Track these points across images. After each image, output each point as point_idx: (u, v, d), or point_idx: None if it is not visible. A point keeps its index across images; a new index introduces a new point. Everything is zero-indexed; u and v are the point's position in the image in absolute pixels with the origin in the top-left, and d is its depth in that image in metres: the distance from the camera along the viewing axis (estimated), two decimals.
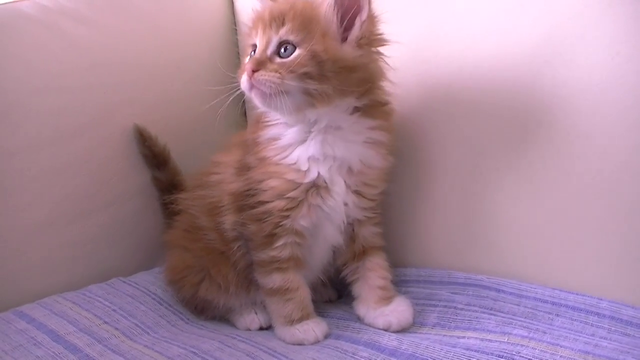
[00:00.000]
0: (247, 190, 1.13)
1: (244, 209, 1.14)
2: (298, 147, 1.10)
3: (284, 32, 1.04)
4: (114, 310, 1.20)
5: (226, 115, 1.19)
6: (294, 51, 1.04)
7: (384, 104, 1.15)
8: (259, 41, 1.07)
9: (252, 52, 1.09)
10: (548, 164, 1.12)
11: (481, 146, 1.21)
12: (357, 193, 1.14)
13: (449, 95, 1.24)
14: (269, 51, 1.05)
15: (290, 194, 1.09)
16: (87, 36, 1.40)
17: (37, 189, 1.29)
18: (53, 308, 1.18)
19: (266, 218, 1.11)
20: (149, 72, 1.48)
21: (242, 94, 1.09)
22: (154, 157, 1.42)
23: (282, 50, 1.04)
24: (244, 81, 1.05)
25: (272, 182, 1.10)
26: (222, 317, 1.22)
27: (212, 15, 1.64)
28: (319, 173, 1.09)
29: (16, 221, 1.27)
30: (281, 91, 1.02)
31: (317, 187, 1.10)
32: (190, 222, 1.24)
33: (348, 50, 1.05)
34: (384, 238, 1.23)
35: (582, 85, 1.08)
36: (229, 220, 1.16)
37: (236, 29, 1.65)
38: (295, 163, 1.10)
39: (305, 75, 1.02)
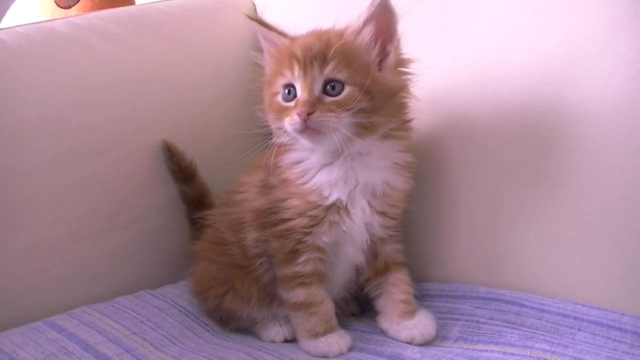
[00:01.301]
0: (270, 208, 1.15)
1: (266, 226, 1.15)
2: (320, 171, 1.12)
3: (329, 71, 1.05)
4: (141, 321, 1.22)
5: (251, 136, 1.22)
6: (342, 88, 1.05)
7: (409, 121, 1.17)
8: (301, 82, 1.06)
9: (287, 92, 1.09)
10: (570, 180, 1.14)
11: (503, 163, 1.22)
12: (380, 213, 1.15)
13: (471, 113, 1.26)
14: (316, 91, 1.05)
15: (311, 213, 1.11)
16: (117, 54, 1.43)
17: (66, 203, 1.32)
18: (83, 319, 1.20)
19: (288, 235, 1.13)
20: (175, 90, 1.51)
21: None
22: (181, 171, 1.45)
23: (330, 88, 1.05)
24: (294, 123, 1.04)
25: (294, 202, 1.12)
26: (247, 329, 1.24)
27: (238, 34, 1.66)
28: (339, 198, 1.11)
29: (45, 235, 1.29)
30: (335, 129, 1.04)
31: (338, 207, 1.12)
32: (216, 236, 1.27)
33: (390, 77, 1.09)
34: (408, 254, 1.24)
35: (601, 103, 1.10)
36: (250, 236, 1.18)
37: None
38: (317, 188, 1.11)
39: (360, 111, 1.04)
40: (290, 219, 1.12)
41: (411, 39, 1.13)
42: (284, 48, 1.12)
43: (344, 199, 1.11)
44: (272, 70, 1.14)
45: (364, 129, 1.07)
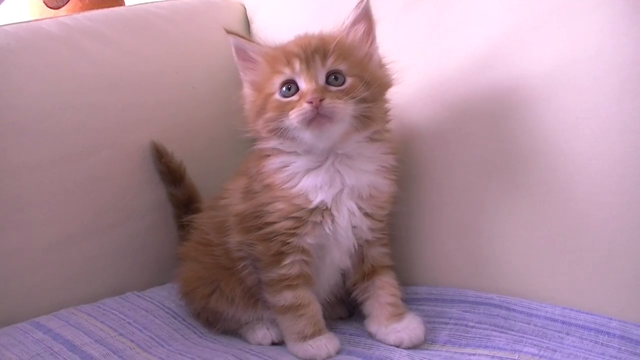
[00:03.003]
0: (253, 213, 1.15)
1: (250, 230, 1.15)
2: (306, 175, 1.13)
3: (331, 63, 1.08)
4: (128, 323, 1.21)
5: (240, 137, 1.21)
6: (344, 79, 1.08)
7: (388, 121, 1.19)
8: (305, 75, 1.08)
9: (287, 89, 1.09)
10: (558, 184, 1.14)
11: (490, 167, 1.22)
12: (366, 215, 1.16)
13: (457, 116, 1.26)
14: (321, 82, 1.07)
15: (296, 214, 1.12)
16: (107, 55, 1.43)
17: (54, 204, 1.32)
18: (69, 320, 1.19)
19: (273, 237, 1.13)
20: (165, 91, 1.51)
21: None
22: (170, 173, 1.44)
23: (333, 79, 1.07)
24: (304, 112, 1.05)
25: (279, 205, 1.12)
26: (234, 331, 1.24)
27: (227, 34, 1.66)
28: (322, 200, 1.11)
29: (34, 236, 1.29)
30: (344, 115, 1.06)
31: (321, 210, 1.12)
32: (202, 237, 1.27)
33: (380, 71, 1.14)
34: (395, 257, 1.24)
35: (591, 109, 1.10)
36: (234, 239, 1.18)
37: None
38: (303, 192, 1.12)
39: (362, 100, 1.07)
40: (275, 222, 1.12)
41: (401, 41, 1.15)
42: (277, 50, 1.14)
43: (328, 201, 1.12)
44: (263, 73, 1.14)
45: (364, 120, 1.09)
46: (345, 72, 1.08)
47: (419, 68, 1.30)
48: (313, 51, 1.08)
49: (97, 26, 1.45)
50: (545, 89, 1.16)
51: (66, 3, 2.06)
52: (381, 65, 1.16)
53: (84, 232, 1.36)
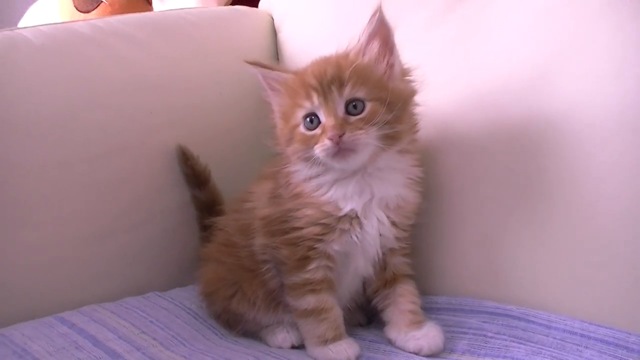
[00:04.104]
0: (280, 217, 1.16)
1: (276, 233, 1.16)
2: (335, 185, 1.14)
3: (348, 92, 1.07)
4: (150, 321, 1.22)
5: (265, 140, 1.22)
6: (364, 105, 1.07)
7: (417, 131, 1.20)
8: (324, 108, 1.08)
9: (309, 121, 1.10)
10: (580, 198, 1.15)
11: (512, 179, 1.23)
12: (393, 224, 1.17)
13: (485, 133, 1.28)
14: (340, 113, 1.07)
15: (324, 221, 1.13)
16: (137, 58, 1.45)
17: (80, 202, 1.34)
18: (92, 316, 1.21)
19: (299, 242, 1.14)
20: (192, 95, 1.53)
21: None
22: (195, 176, 1.46)
23: (352, 107, 1.07)
24: (326, 148, 1.06)
25: (308, 211, 1.13)
26: (254, 333, 1.25)
27: (255, 43, 1.69)
28: (353, 208, 1.13)
29: (58, 233, 1.31)
30: (367, 144, 1.07)
31: (350, 217, 1.13)
32: (226, 238, 1.28)
33: (402, 85, 1.12)
34: (416, 267, 1.25)
35: (600, 121, 1.13)
36: (258, 242, 1.19)
37: (278, 58, 1.69)
38: (332, 200, 1.13)
39: (384, 123, 1.06)
40: (302, 227, 1.14)
41: (423, 60, 1.15)
42: (295, 80, 1.13)
43: (358, 210, 1.13)
44: (287, 105, 1.15)
45: (391, 139, 1.09)
46: (365, 97, 1.07)
47: (445, 81, 1.31)
48: (329, 82, 1.07)
49: (128, 29, 1.47)
50: (570, 109, 1.17)
51: (96, 7, 2.10)
52: (404, 74, 1.15)
53: (108, 230, 1.37)
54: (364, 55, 1.11)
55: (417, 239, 1.27)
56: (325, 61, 1.13)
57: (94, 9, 2.09)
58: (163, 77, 1.48)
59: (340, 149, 1.05)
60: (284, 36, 1.70)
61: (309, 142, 1.09)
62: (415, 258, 1.26)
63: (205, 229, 1.40)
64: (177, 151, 1.46)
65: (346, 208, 1.12)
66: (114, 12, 2.08)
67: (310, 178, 1.14)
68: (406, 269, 1.23)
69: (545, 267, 1.19)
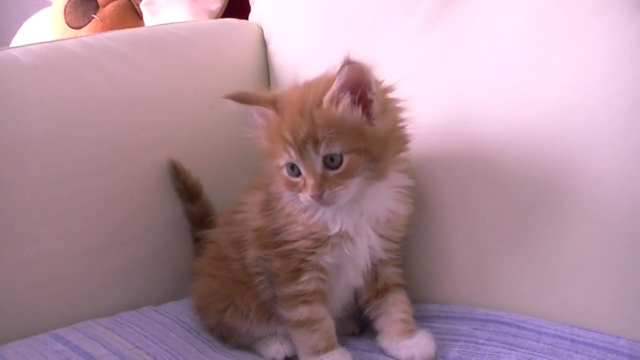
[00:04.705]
0: (272, 230, 1.17)
1: (268, 246, 1.17)
2: (322, 209, 1.13)
3: (323, 149, 1.05)
4: (145, 336, 1.23)
5: (257, 156, 1.23)
6: (341, 158, 1.06)
7: (406, 150, 1.19)
8: (301, 165, 1.07)
9: (291, 168, 1.09)
10: (567, 206, 1.17)
11: (502, 190, 1.24)
12: (383, 237, 1.18)
13: (471, 141, 1.29)
14: (318, 169, 1.06)
15: (315, 236, 1.14)
16: (127, 75, 1.46)
17: (73, 219, 1.34)
18: (87, 332, 1.22)
19: (291, 255, 1.15)
20: (183, 111, 1.54)
21: None
22: (187, 190, 1.47)
23: (329, 161, 1.06)
24: (308, 200, 1.07)
25: (298, 227, 1.14)
26: (248, 345, 1.25)
27: (245, 56, 1.70)
28: (342, 227, 1.14)
29: (52, 249, 1.31)
30: (347, 195, 1.08)
31: (341, 235, 1.14)
32: (217, 252, 1.29)
33: (381, 124, 1.09)
34: (407, 276, 1.26)
35: (598, 132, 1.14)
36: (251, 255, 1.20)
37: (268, 70, 1.70)
38: (321, 222, 1.14)
39: (364, 168, 1.07)
40: (294, 241, 1.14)
41: (413, 69, 1.15)
42: (273, 127, 1.10)
43: (349, 229, 1.14)
44: (270, 147, 1.13)
45: (375, 177, 1.10)
46: (342, 151, 1.05)
47: (432, 93, 1.33)
48: (303, 141, 1.05)
49: (118, 46, 1.48)
50: (557, 113, 1.18)
51: (87, 23, 2.11)
52: (384, 106, 1.10)
53: (103, 246, 1.38)
54: (337, 105, 1.06)
55: (408, 248, 1.27)
56: (299, 110, 1.07)
57: (85, 25, 2.10)
58: (154, 93, 1.49)
59: (323, 202, 1.07)
60: (274, 48, 1.71)
61: (293, 187, 1.10)
62: (406, 267, 1.26)
63: (199, 243, 1.41)
64: (169, 166, 1.47)
65: (335, 229, 1.13)
66: (105, 27, 2.10)
67: (298, 201, 1.13)
68: (397, 278, 1.23)
69: (535, 274, 1.20)
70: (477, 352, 1.13)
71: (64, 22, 2.13)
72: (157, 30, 1.62)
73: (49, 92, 1.34)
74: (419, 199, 1.25)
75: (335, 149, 1.05)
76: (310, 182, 1.06)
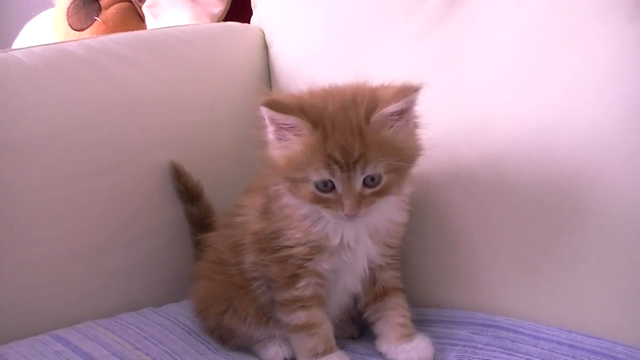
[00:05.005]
0: (271, 234, 1.17)
1: (266, 250, 1.17)
2: (324, 219, 1.12)
3: (371, 170, 1.03)
4: (144, 337, 1.24)
5: (257, 158, 1.21)
6: (380, 178, 1.05)
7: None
8: (343, 184, 1.04)
9: (323, 184, 1.05)
10: (565, 212, 1.17)
11: (504, 193, 1.25)
12: (380, 244, 1.18)
13: (477, 142, 1.29)
14: (358, 187, 1.05)
15: (313, 243, 1.14)
16: (128, 76, 1.47)
17: (73, 219, 1.35)
18: (87, 333, 1.22)
19: (289, 260, 1.15)
20: (184, 113, 1.54)
21: None
22: (187, 192, 1.48)
23: (369, 180, 1.05)
24: (338, 217, 1.06)
25: (297, 234, 1.14)
26: (247, 347, 1.26)
27: (246, 59, 1.71)
28: (342, 237, 1.14)
29: (53, 250, 1.32)
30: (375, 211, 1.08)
31: (341, 244, 1.15)
32: (216, 256, 1.29)
33: (414, 146, 1.10)
34: (406, 279, 1.26)
35: (596, 138, 1.14)
36: (249, 259, 1.21)
37: (270, 73, 1.71)
38: (321, 233, 1.13)
39: (395, 187, 1.08)
40: (292, 247, 1.14)
41: (414, 74, 1.14)
42: (311, 141, 1.04)
43: (350, 241, 1.14)
44: (299, 157, 1.06)
45: (395, 194, 1.10)
46: (383, 171, 1.04)
47: (433, 98, 1.31)
48: (355, 162, 1.02)
49: (120, 49, 1.49)
50: (557, 117, 1.19)
51: (90, 25, 2.12)
52: (415, 130, 1.11)
53: (103, 247, 1.39)
54: (387, 126, 1.05)
55: (407, 252, 1.27)
56: (349, 128, 1.03)
57: (87, 27, 2.11)
58: (155, 95, 1.49)
59: (353, 218, 1.06)
60: (275, 51, 1.71)
61: (321, 202, 1.07)
62: (405, 270, 1.27)
63: (199, 245, 1.41)
64: (170, 168, 1.48)
65: (336, 241, 1.13)
66: (108, 29, 2.10)
67: (300, 206, 1.13)
68: (396, 282, 1.24)
69: (533, 279, 1.21)
70: (474, 356, 1.14)
71: (67, 23, 2.14)
72: (159, 33, 1.63)
73: (50, 94, 1.34)
74: (421, 205, 1.26)
75: (379, 170, 1.04)
76: (348, 201, 1.04)
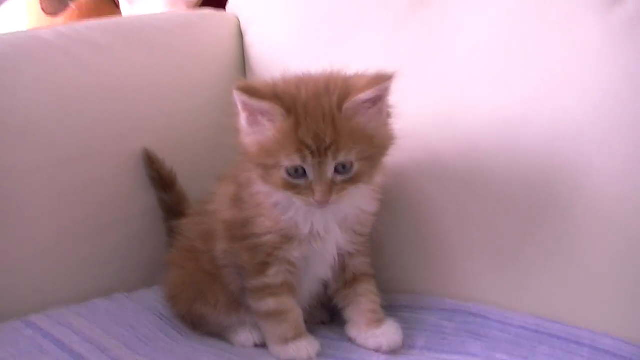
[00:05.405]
0: (241, 222, 1.18)
1: (236, 238, 1.18)
2: (295, 206, 1.13)
3: (343, 157, 1.04)
4: (116, 322, 1.24)
5: (232, 147, 1.22)
6: (352, 166, 1.06)
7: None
8: (314, 171, 1.04)
9: (295, 171, 1.05)
10: (534, 197, 1.19)
11: (473, 184, 1.27)
12: (349, 232, 1.19)
13: (454, 134, 1.30)
14: (330, 175, 1.05)
15: (283, 232, 1.14)
16: (102, 64, 1.45)
17: (47, 207, 1.34)
18: (59, 319, 1.22)
19: (259, 248, 1.16)
20: (158, 100, 1.54)
21: None
22: (161, 179, 1.47)
23: (341, 168, 1.05)
24: (309, 204, 1.07)
25: (267, 222, 1.15)
26: (218, 333, 1.27)
27: (221, 49, 1.70)
28: (312, 225, 1.15)
29: (25, 236, 1.31)
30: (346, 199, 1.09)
31: (311, 233, 1.15)
32: (187, 243, 1.30)
33: (387, 135, 1.11)
34: (377, 265, 1.27)
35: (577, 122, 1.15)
36: (219, 247, 1.22)
37: (244, 61, 1.71)
38: (292, 220, 1.14)
39: (366, 176, 1.09)
40: (261, 234, 1.15)
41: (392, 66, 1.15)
42: (284, 128, 1.05)
43: (320, 229, 1.15)
44: (271, 142, 1.06)
45: (366, 182, 1.11)
46: (355, 158, 1.05)
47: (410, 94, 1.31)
48: (327, 147, 1.03)
49: (93, 35, 1.47)
50: (529, 110, 1.20)
51: (63, 11, 2.10)
52: (388, 119, 1.11)
53: (76, 234, 1.38)
54: (360, 114, 1.05)
55: (379, 240, 1.29)
56: (322, 115, 1.04)
57: (61, 13, 2.09)
58: (129, 83, 1.49)
59: (324, 205, 1.07)
60: (250, 39, 1.71)
61: (292, 189, 1.07)
62: (376, 257, 1.28)
63: (172, 232, 1.41)
64: (143, 155, 1.48)
65: (306, 229, 1.14)
66: (82, 15, 2.08)
67: (271, 193, 1.13)
68: (366, 268, 1.25)
69: (506, 270, 1.23)
70: (443, 341, 1.16)
71: (40, 7, 2.12)
72: (133, 20, 1.63)
73: (20, 81, 1.33)
74: (394, 194, 1.27)
75: (351, 157, 1.05)
76: (319, 187, 1.05)
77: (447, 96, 1.31)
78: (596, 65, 1.13)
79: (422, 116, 1.30)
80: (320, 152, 1.03)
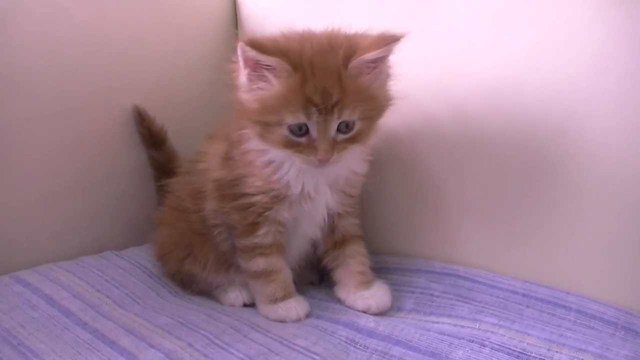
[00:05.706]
0: (232, 181, 1.17)
1: (227, 198, 1.17)
2: (287, 164, 1.13)
3: (347, 116, 1.04)
4: (105, 280, 1.25)
5: (224, 102, 1.20)
6: (354, 125, 1.06)
7: None
8: (319, 128, 1.04)
9: (298, 129, 1.04)
10: (524, 159, 1.19)
11: (466, 146, 1.26)
12: (340, 193, 1.19)
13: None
14: (332, 133, 1.05)
15: (273, 193, 1.14)
16: (90, 18, 1.43)
17: (36, 163, 1.34)
18: (48, 275, 1.23)
19: (249, 208, 1.15)
20: (150, 57, 1.53)
21: None
22: (151, 136, 1.47)
23: (343, 126, 1.05)
24: (309, 163, 1.06)
25: (257, 182, 1.14)
26: (208, 292, 1.27)
27: (213, 5, 1.68)
28: (303, 185, 1.14)
29: (16, 192, 1.32)
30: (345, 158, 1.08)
31: (301, 193, 1.15)
32: (177, 203, 1.29)
33: (385, 96, 1.10)
34: (367, 227, 1.27)
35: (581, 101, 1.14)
36: (209, 207, 1.21)
37: (237, 18, 1.69)
38: (283, 180, 1.13)
39: (366, 136, 1.09)
40: (252, 194, 1.15)
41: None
42: (290, 84, 1.02)
43: (310, 190, 1.14)
44: (275, 98, 1.03)
45: (363, 142, 1.11)
46: (357, 118, 1.05)
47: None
48: (333, 105, 1.02)
49: None
50: (521, 72, 1.19)
51: None
52: (388, 80, 1.11)
53: (66, 190, 1.39)
54: (365, 73, 1.05)
55: (370, 201, 1.29)
56: (328, 73, 1.02)
57: None
58: (118, 38, 1.47)
59: (324, 164, 1.06)
60: (248, 10, 1.67)
61: (289, 146, 1.06)
62: (367, 219, 1.28)
63: (162, 191, 1.41)
64: (134, 112, 1.47)
65: (297, 189, 1.14)
66: None
67: (264, 152, 1.12)
68: (355, 230, 1.25)
69: (498, 232, 1.23)
70: (432, 303, 1.17)
71: None
72: None
73: (8, 36, 1.31)
74: (387, 156, 1.27)
75: (355, 116, 1.05)
76: (322, 146, 1.04)
77: (437, 58, 1.29)
78: (589, 26, 1.12)
79: (414, 78, 1.28)
80: (327, 109, 1.02)
